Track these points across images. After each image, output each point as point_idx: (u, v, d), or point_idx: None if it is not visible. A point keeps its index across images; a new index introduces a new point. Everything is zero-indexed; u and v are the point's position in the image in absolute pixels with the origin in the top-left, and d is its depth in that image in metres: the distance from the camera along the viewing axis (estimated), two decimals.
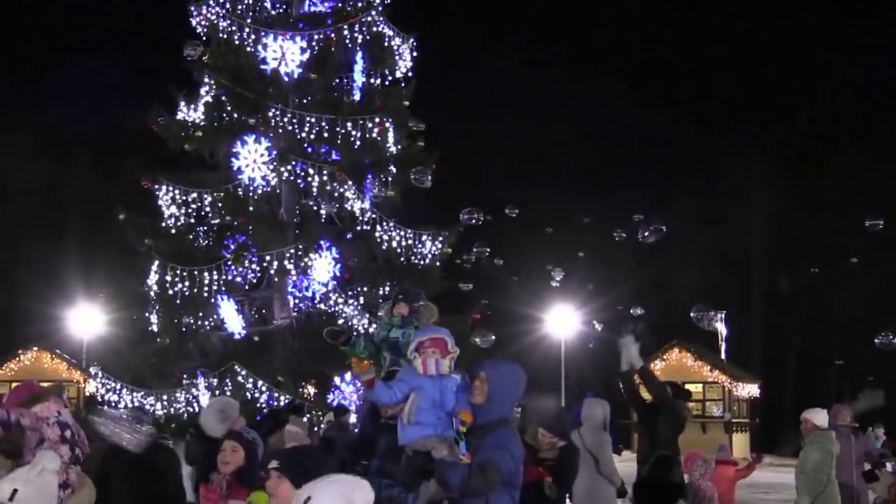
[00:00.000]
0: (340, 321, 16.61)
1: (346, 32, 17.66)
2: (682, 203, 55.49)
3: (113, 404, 16.76)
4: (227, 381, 16.44)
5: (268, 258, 16.69)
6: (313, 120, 17.25)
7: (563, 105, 59.12)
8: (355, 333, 8.21)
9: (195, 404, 16.18)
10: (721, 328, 48.65)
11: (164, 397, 16.41)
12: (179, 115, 17.79)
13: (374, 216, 17.51)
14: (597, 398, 10.75)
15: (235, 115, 17.32)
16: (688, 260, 55.50)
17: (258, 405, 15.60)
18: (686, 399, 10.39)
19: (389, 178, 17.93)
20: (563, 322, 44.80)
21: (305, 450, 5.93)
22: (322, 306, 16.93)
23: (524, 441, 8.11)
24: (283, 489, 4.59)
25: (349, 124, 17.28)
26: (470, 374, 6.44)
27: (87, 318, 39.43)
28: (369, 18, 17.83)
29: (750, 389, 45.18)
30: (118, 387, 16.88)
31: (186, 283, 16.79)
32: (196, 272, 16.81)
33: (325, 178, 16.89)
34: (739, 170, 53.90)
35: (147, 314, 17.30)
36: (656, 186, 56.22)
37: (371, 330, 10.18)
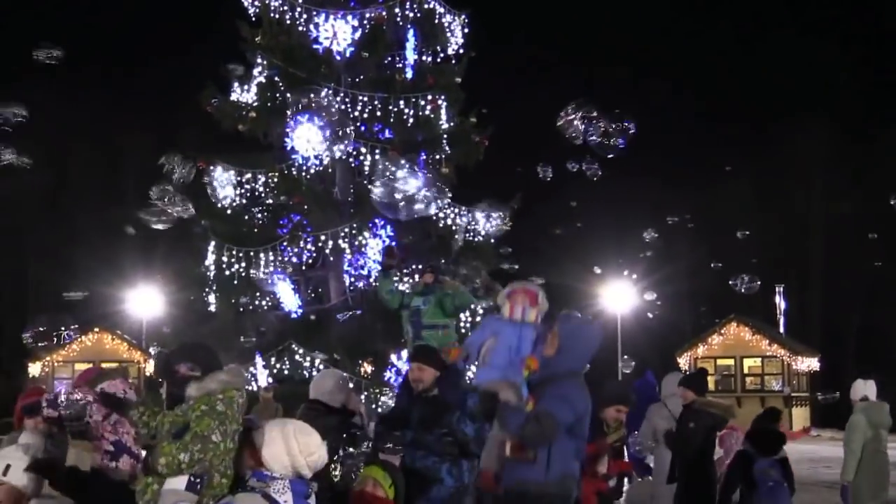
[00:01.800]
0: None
1: (397, 10, 17.61)
2: (740, 177, 54.89)
3: None
4: (285, 359, 16.57)
5: (322, 237, 16.74)
6: (366, 98, 17.24)
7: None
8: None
9: (254, 383, 16.31)
10: (779, 302, 48.15)
11: None
12: (233, 97, 17.87)
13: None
14: (677, 372, 10.82)
15: (288, 96, 17.34)
16: (746, 233, 54.88)
17: None
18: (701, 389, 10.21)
19: (443, 156, 17.88)
20: (619, 297, 44.52)
21: None
22: (377, 284, 16.93)
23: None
24: None
25: (402, 102, 17.26)
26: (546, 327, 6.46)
27: (146, 300, 39.98)
28: None
29: (810, 363, 44.58)
30: None
31: (243, 264, 16.90)
32: (252, 252, 16.91)
33: (378, 156, 16.88)
34: (797, 142, 53.14)
35: (204, 295, 17.45)
36: (714, 159, 55.58)
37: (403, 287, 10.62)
